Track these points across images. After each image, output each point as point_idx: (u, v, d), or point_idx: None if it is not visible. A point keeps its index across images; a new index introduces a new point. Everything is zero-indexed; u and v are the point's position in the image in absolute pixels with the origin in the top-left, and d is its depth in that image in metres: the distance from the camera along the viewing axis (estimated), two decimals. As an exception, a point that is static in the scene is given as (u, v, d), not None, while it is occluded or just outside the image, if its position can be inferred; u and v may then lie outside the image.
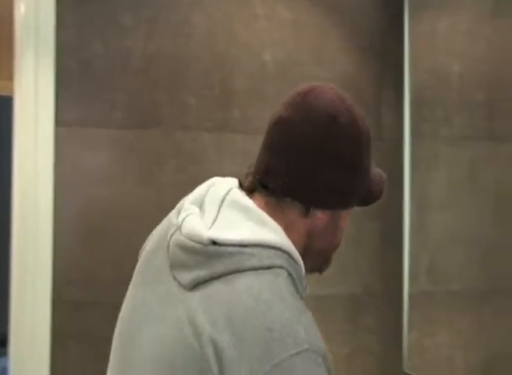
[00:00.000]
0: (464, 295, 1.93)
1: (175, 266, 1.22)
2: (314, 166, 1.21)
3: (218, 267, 1.16)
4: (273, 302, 1.12)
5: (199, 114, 2.17)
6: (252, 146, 2.22)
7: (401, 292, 2.15)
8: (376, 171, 1.33)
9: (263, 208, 1.22)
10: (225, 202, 1.24)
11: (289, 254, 1.20)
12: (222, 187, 1.27)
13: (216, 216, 1.22)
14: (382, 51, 2.36)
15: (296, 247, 1.24)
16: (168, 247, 1.24)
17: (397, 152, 2.30)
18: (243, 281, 1.14)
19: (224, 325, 1.10)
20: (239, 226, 1.19)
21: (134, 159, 2.10)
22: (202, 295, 1.16)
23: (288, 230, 1.22)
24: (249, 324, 1.10)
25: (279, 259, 1.18)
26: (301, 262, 1.22)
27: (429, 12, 2.10)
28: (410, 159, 2.15)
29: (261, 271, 1.15)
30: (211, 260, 1.17)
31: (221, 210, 1.23)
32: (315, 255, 1.32)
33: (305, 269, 1.30)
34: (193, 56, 2.16)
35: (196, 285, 1.17)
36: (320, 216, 1.25)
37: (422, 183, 2.10)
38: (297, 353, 1.08)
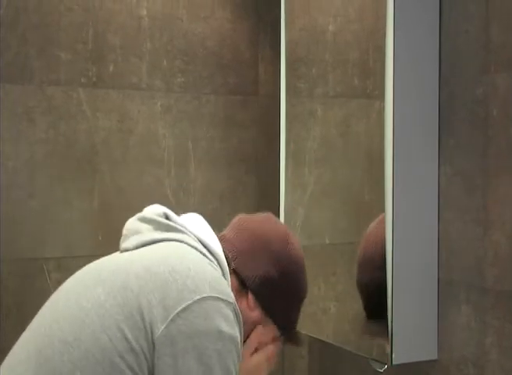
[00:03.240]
0: (338, 249, 1.98)
1: (126, 237, 1.35)
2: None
3: (163, 235, 1.30)
4: (195, 262, 1.25)
5: (72, 69, 2.11)
6: (127, 102, 2.20)
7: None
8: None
9: None
10: (192, 218, 1.42)
11: (221, 265, 1.33)
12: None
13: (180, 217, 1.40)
14: (259, 7, 2.37)
15: None
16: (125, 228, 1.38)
17: (273, 109, 2.32)
18: (187, 247, 1.28)
19: (148, 276, 1.20)
20: (192, 222, 1.38)
21: (4, 116, 2.03)
22: (141, 251, 1.29)
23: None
24: (166, 273, 1.20)
25: (214, 263, 1.31)
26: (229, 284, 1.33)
27: (305, -30, 2.11)
28: (286, 116, 2.17)
29: (200, 254, 1.29)
30: (159, 230, 1.31)
31: (186, 216, 1.42)
32: None
33: None
34: (65, 9, 2.10)
35: (139, 246, 1.30)
36: (250, 302, 1.41)
37: (298, 140, 2.13)
38: (223, 300, 1.20)
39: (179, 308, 1.17)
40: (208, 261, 1.29)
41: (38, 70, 2.07)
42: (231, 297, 1.23)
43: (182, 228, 1.32)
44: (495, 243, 1.57)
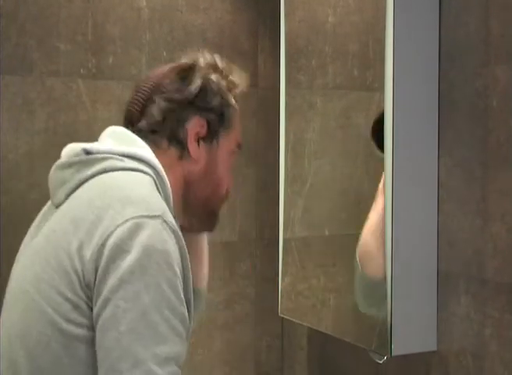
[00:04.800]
0: (337, 240, 1.98)
1: (54, 190, 1.30)
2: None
3: (90, 171, 1.25)
4: (136, 185, 1.23)
5: (72, 60, 2.11)
6: (126, 93, 2.18)
7: (277, 238, 2.19)
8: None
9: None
10: (105, 133, 1.36)
11: (155, 168, 1.29)
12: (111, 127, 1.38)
13: (99, 142, 1.35)
14: (258, -1, 2.36)
15: (175, 193, 1.29)
16: (49, 181, 1.33)
17: (273, 101, 2.32)
18: (110, 175, 1.25)
19: (74, 227, 1.18)
20: (110, 143, 1.31)
21: (3, 107, 2.03)
22: (69, 203, 1.25)
23: (166, 173, 1.30)
24: (107, 195, 1.19)
25: (145, 168, 1.27)
26: (167, 181, 1.30)
27: (305, -39, 2.11)
28: (286, 108, 2.17)
29: (128, 171, 1.26)
30: (84, 168, 1.26)
31: (101, 137, 1.36)
32: (200, 208, 1.37)
33: (195, 225, 1.43)
34: (65, 0, 2.10)
35: (69, 195, 1.26)
36: (194, 153, 1.35)
37: (297, 131, 2.13)
38: (149, 216, 1.16)
39: (104, 238, 1.15)
40: (138, 173, 1.26)
41: (38, 62, 2.07)
42: (158, 210, 1.18)
43: (105, 155, 1.27)
44: (494, 234, 1.57)
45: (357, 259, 1.78)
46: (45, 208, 1.38)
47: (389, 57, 1.68)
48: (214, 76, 1.42)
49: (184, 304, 1.17)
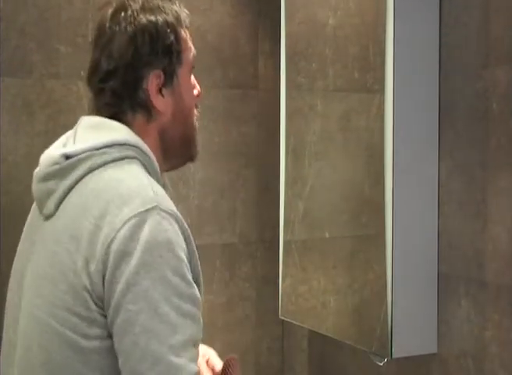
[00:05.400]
0: (337, 243, 1.98)
1: (41, 202, 1.26)
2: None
3: (75, 175, 1.22)
4: (124, 178, 1.20)
5: (72, 62, 2.11)
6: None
7: (277, 240, 2.19)
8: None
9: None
10: (80, 125, 1.31)
11: (137, 147, 1.26)
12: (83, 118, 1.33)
13: (74, 139, 1.29)
14: (259, 1, 2.36)
15: (155, 151, 1.30)
16: (34, 193, 1.29)
17: (273, 103, 2.32)
18: (97, 174, 1.22)
19: (76, 244, 1.16)
20: (87, 138, 1.26)
21: (3, 109, 2.03)
22: (59, 216, 1.22)
23: (141, 138, 1.28)
24: (101, 200, 1.17)
25: (128, 152, 1.24)
26: (152, 155, 1.27)
27: (305, -37, 2.11)
28: (286, 110, 2.17)
29: (112, 163, 1.22)
30: (67, 173, 1.23)
31: (77, 132, 1.30)
32: (179, 147, 1.35)
33: (177, 163, 1.40)
34: (65, 3, 2.09)
35: (58, 205, 1.23)
36: (161, 107, 1.30)
37: (298, 134, 2.13)
38: (146, 210, 1.15)
39: (106, 246, 1.14)
40: (123, 161, 1.23)
41: (38, 64, 2.07)
42: (152, 200, 1.16)
43: (85, 154, 1.22)
44: (494, 237, 1.57)
45: None
46: (33, 219, 1.33)
47: (390, 59, 1.68)
48: (146, 17, 1.29)
49: (192, 284, 1.17)
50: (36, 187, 1.28)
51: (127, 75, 1.28)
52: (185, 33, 1.35)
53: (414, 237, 1.70)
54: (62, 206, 1.23)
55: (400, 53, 1.68)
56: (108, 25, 1.29)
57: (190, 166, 2.26)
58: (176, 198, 2.22)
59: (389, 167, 1.68)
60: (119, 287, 1.12)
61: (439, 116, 1.72)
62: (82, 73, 2.12)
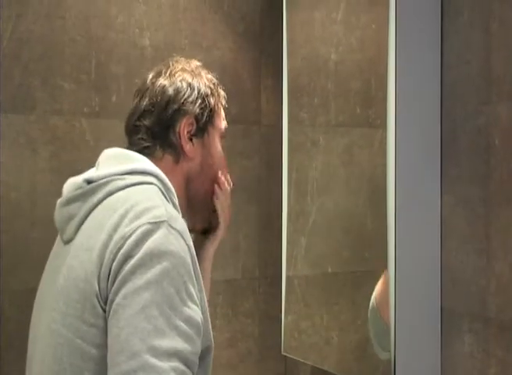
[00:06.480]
0: (340, 278, 1.97)
1: (61, 228, 1.31)
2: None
3: (95, 198, 1.26)
4: (140, 198, 1.24)
5: (75, 99, 2.12)
6: (130, 132, 2.20)
7: (280, 276, 2.18)
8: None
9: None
10: (102, 158, 1.36)
11: (158, 177, 1.31)
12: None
13: (97, 168, 1.35)
14: (261, 37, 2.38)
15: (179, 192, 1.35)
16: (55, 219, 1.34)
17: (276, 138, 2.32)
18: (114, 196, 1.26)
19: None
20: (109, 166, 1.32)
21: (6, 145, 2.04)
22: (79, 238, 1.26)
23: (167, 177, 1.33)
24: (116, 214, 1.21)
25: (148, 179, 1.29)
26: (170, 185, 1.32)
27: (307, 0, 2.13)
28: (288, 145, 2.18)
29: (133, 187, 1.27)
30: (89, 197, 1.27)
31: (99, 163, 1.36)
32: (201, 201, 1.41)
33: (196, 222, 1.47)
34: (68, 40, 2.11)
35: (78, 229, 1.27)
36: (190, 152, 1.38)
37: (300, 169, 2.13)
38: (155, 222, 1.18)
39: (114, 253, 1.17)
40: (143, 185, 1.28)
41: (41, 100, 2.08)
42: (163, 216, 1.20)
43: (107, 179, 1.28)
44: (497, 272, 1.56)
45: (374, 304, 1.76)
46: (54, 248, 1.39)
47: (392, 94, 1.69)
48: (185, 74, 1.45)
49: (189, 303, 1.16)
50: (57, 213, 1.33)
51: (162, 114, 1.37)
52: (221, 105, 1.48)
53: (417, 272, 1.70)
54: (80, 230, 1.27)
55: (402, 88, 1.69)
56: (149, 77, 1.44)
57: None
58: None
59: (392, 202, 1.68)
60: (115, 285, 1.15)
61: (441, 151, 1.72)
62: (85, 109, 2.13)
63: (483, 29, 1.62)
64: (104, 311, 1.16)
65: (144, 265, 1.14)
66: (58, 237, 1.36)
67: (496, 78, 1.58)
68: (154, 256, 1.15)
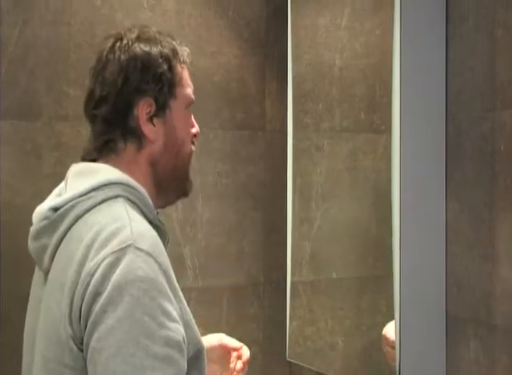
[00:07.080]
0: (345, 284, 1.97)
1: (38, 259, 1.27)
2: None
3: (64, 225, 1.23)
4: (105, 222, 1.19)
5: (81, 105, 2.12)
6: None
7: (284, 282, 2.18)
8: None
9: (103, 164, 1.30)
10: (69, 173, 1.33)
11: (123, 184, 1.26)
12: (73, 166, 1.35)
13: (65, 189, 1.30)
14: (266, 43, 2.38)
15: (147, 184, 1.30)
16: (31, 252, 1.30)
17: (280, 143, 2.33)
18: (82, 222, 1.22)
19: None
20: (75, 186, 1.27)
21: (11, 151, 2.04)
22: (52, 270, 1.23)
23: (131, 171, 1.29)
24: (82, 245, 1.16)
25: (112, 192, 1.24)
26: (141, 189, 1.27)
27: (311, 6, 2.13)
28: (293, 150, 2.18)
29: (97, 207, 1.23)
30: (57, 225, 1.24)
31: (67, 182, 1.31)
32: (171, 180, 1.35)
33: (171, 198, 1.41)
34: (74, 45, 2.12)
35: (53, 257, 1.23)
36: (151, 135, 1.30)
37: (305, 174, 2.13)
38: (120, 249, 1.13)
39: (82, 292, 1.13)
40: (108, 202, 1.23)
41: (47, 106, 2.08)
42: (128, 239, 1.15)
43: (71, 203, 1.23)
44: (503, 278, 1.56)
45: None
46: (36, 276, 1.35)
47: (396, 100, 1.69)
48: (140, 46, 1.32)
49: (170, 325, 1.12)
50: (31, 245, 1.29)
51: (118, 101, 1.30)
52: (181, 68, 1.37)
53: (422, 278, 1.69)
54: (55, 259, 1.24)
55: (407, 94, 1.69)
56: (104, 54, 1.33)
57: (197, 206, 2.28)
58: (183, 239, 2.23)
59: (397, 207, 1.68)
60: (88, 327, 1.11)
61: (446, 156, 1.72)
62: (90, 115, 2.13)
63: (488, 35, 1.62)
64: (82, 351, 1.13)
65: (113, 302, 1.10)
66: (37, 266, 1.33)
67: (500, 85, 1.58)
68: (123, 289, 1.10)
